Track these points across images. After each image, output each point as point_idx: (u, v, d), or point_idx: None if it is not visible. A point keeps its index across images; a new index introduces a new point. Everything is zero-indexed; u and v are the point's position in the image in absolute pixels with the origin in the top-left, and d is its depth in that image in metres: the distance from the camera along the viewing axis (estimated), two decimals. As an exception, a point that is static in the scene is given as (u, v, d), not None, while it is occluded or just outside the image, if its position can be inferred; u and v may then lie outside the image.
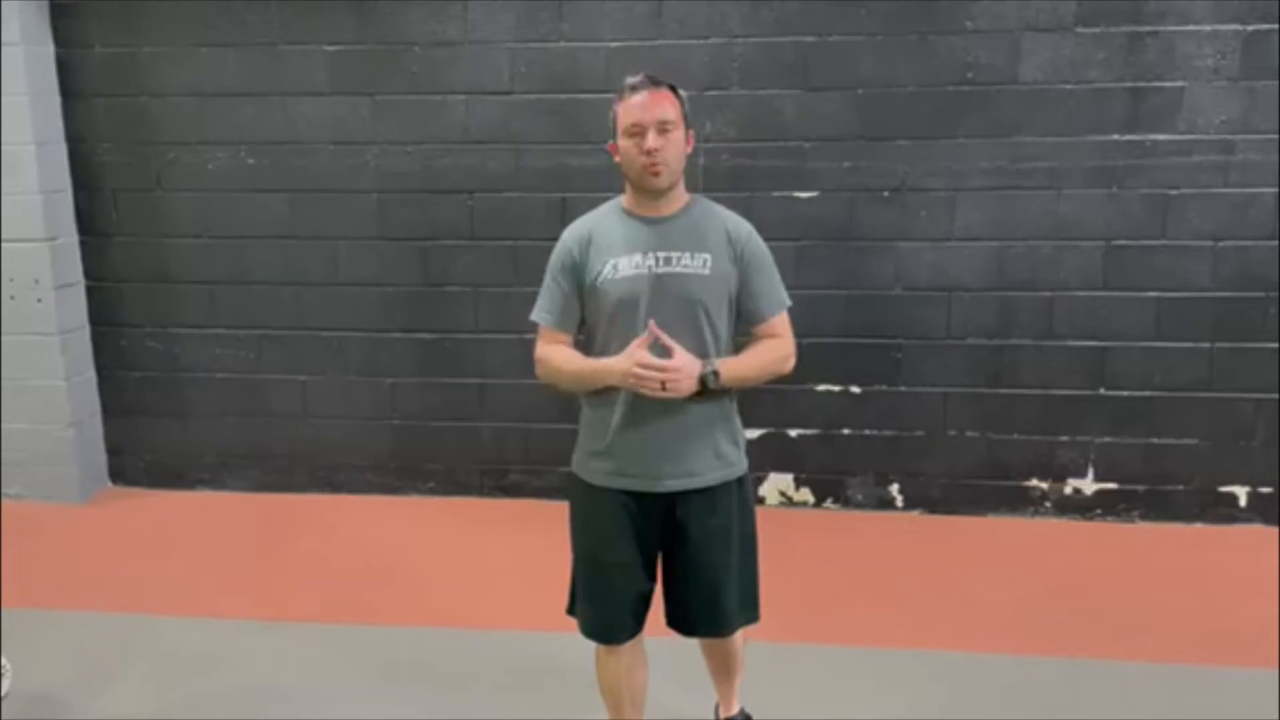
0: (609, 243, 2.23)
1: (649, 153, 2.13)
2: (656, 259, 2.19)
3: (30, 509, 4.34)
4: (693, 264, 2.20)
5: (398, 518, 4.26)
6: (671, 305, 2.18)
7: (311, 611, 3.46)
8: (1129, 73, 3.80)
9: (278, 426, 4.45)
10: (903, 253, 4.02)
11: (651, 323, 2.14)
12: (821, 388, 4.15)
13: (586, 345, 2.32)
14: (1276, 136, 3.78)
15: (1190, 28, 3.74)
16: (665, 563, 2.34)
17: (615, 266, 2.20)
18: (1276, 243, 3.86)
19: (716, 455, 2.27)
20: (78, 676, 3.06)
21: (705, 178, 3.97)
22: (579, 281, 2.25)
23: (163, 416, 4.50)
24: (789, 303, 2.35)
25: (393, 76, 4.08)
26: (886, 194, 3.98)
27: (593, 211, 2.33)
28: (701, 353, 2.20)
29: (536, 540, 4.02)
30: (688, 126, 2.22)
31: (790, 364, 2.33)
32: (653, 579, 2.35)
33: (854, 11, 3.85)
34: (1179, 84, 3.78)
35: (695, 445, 2.24)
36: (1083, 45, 3.79)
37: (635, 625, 2.36)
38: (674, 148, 2.17)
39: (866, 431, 4.18)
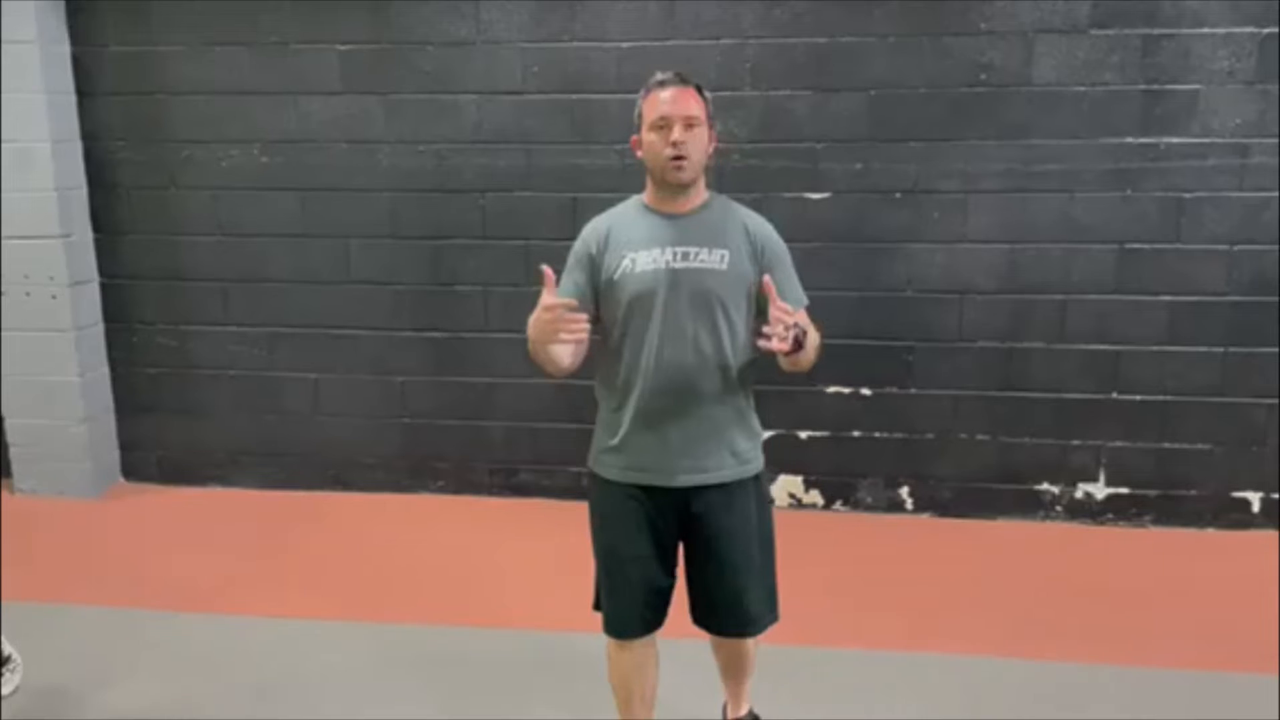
0: (628, 238, 2.25)
1: (674, 145, 2.16)
2: (674, 254, 2.21)
3: (43, 504, 4.37)
4: (710, 259, 2.21)
5: (407, 516, 4.27)
6: (687, 300, 2.19)
7: (321, 609, 3.47)
8: (1143, 75, 3.78)
9: (289, 424, 4.47)
10: (914, 254, 4.00)
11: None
12: (832, 389, 4.14)
13: (602, 340, 2.33)
14: (1292, 140, 3.76)
15: (1205, 30, 3.72)
16: (686, 560, 2.35)
17: (633, 261, 2.22)
18: (1291, 247, 3.84)
19: (732, 452, 2.28)
20: (89, 671, 3.08)
21: (716, 179, 3.96)
22: (595, 275, 2.27)
23: (175, 413, 4.52)
24: (807, 301, 2.35)
25: (405, 76, 4.09)
26: (898, 195, 3.97)
27: (614, 207, 2.35)
28: (717, 349, 2.22)
29: (545, 539, 4.03)
30: (711, 127, 2.25)
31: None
32: (670, 574, 2.34)
33: (867, 12, 3.85)
34: (1194, 86, 3.76)
35: (710, 442, 2.25)
36: (1097, 47, 3.78)
37: (650, 621, 2.36)
38: (698, 144, 2.20)
39: (877, 434, 4.17)
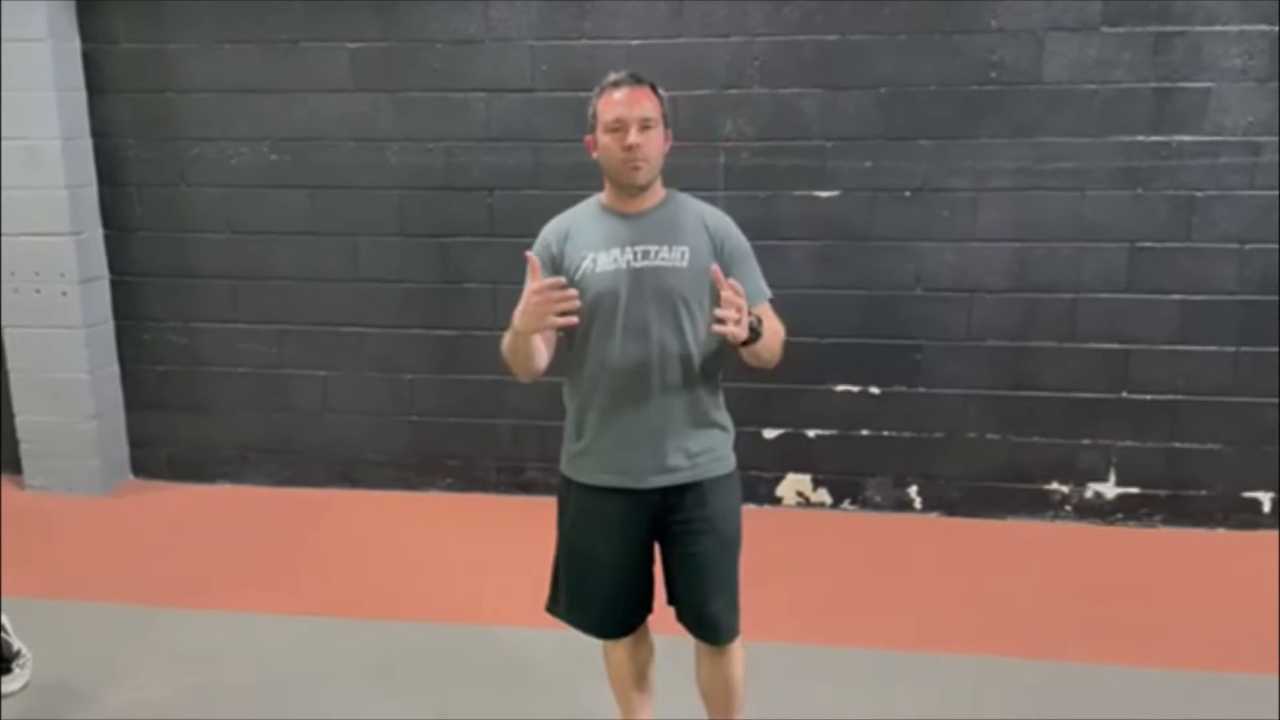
0: (587, 238, 2.24)
1: (630, 148, 2.14)
2: (635, 253, 2.19)
3: (53, 501, 4.39)
4: (670, 257, 2.19)
5: (415, 513, 4.27)
6: (650, 299, 2.18)
7: (329, 606, 3.48)
8: (1155, 73, 3.76)
9: (298, 421, 4.48)
10: (924, 253, 3.99)
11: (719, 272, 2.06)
12: (840, 388, 4.13)
13: (566, 344, 2.31)
14: (1305, 138, 3.73)
15: (1218, 28, 3.70)
16: (663, 560, 2.33)
17: (594, 261, 2.20)
18: (1304, 246, 3.81)
19: (703, 450, 2.25)
20: (97, 667, 3.09)
21: (725, 177, 3.96)
22: (555, 276, 2.20)
23: (184, 410, 4.53)
24: (770, 294, 2.32)
25: (414, 73, 4.09)
26: (908, 194, 3.96)
27: (572, 208, 2.34)
28: (682, 346, 2.19)
29: (552, 538, 4.02)
30: (666, 125, 2.23)
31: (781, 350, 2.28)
32: (646, 575, 2.33)
33: (876, 10, 3.83)
34: (1206, 84, 3.74)
35: (679, 441, 2.22)
36: (1108, 45, 3.76)
37: (630, 622, 2.36)
38: (653, 144, 2.18)
39: (885, 433, 4.16)
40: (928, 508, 4.21)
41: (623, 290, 2.18)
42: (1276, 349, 3.89)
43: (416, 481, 4.46)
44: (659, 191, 2.28)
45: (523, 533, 4.05)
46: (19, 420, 4.43)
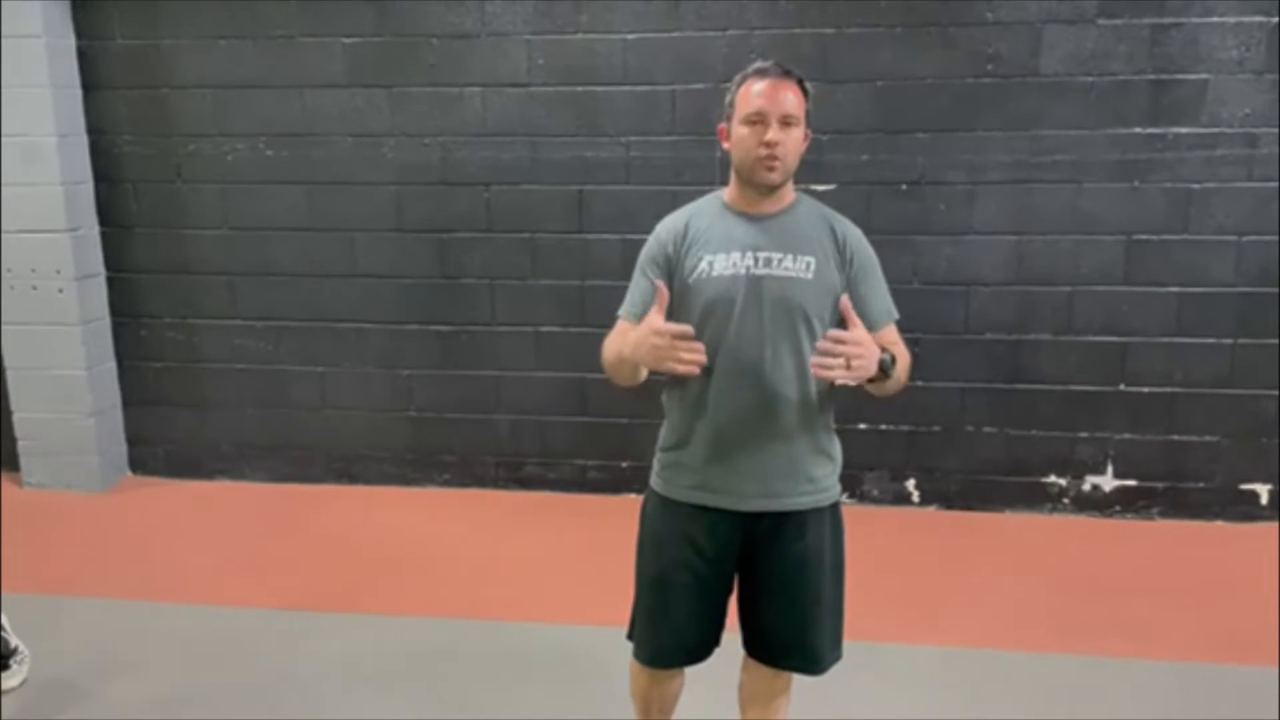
0: (705, 238, 2.07)
1: (767, 145, 1.99)
2: (755, 259, 2.03)
3: (51, 497, 4.39)
4: (794, 267, 2.03)
5: (414, 509, 4.27)
6: (768, 310, 2.01)
7: (328, 601, 3.48)
8: (1151, 65, 3.76)
9: (296, 417, 4.47)
10: (921, 246, 3.99)
11: (844, 300, 1.97)
12: (837, 382, 4.12)
13: None
14: (1301, 130, 3.73)
15: (1214, 19, 3.69)
16: (745, 588, 2.18)
17: (710, 264, 2.04)
18: (1301, 238, 3.82)
19: (808, 479, 2.11)
20: (96, 663, 3.09)
21: (722, 171, 3.94)
22: (669, 277, 2.07)
23: (182, 407, 4.53)
24: (898, 315, 2.17)
25: (410, 69, 4.09)
26: (905, 187, 3.96)
27: (691, 203, 2.17)
28: (797, 365, 2.04)
29: (551, 532, 4.03)
30: (808, 123, 2.08)
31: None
32: (723, 609, 2.18)
33: (873, 3, 3.83)
34: (1202, 76, 3.74)
35: (785, 465, 2.08)
36: (1105, 37, 3.76)
37: (695, 654, 2.20)
38: (793, 144, 2.03)
39: (883, 426, 4.16)
40: (925, 501, 4.21)
41: (738, 299, 2.01)
42: (1274, 341, 3.89)
43: (415, 477, 4.47)
44: (789, 193, 2.11)
45: (521, 528, 4.08)
46: (16, 417, 4.42)
